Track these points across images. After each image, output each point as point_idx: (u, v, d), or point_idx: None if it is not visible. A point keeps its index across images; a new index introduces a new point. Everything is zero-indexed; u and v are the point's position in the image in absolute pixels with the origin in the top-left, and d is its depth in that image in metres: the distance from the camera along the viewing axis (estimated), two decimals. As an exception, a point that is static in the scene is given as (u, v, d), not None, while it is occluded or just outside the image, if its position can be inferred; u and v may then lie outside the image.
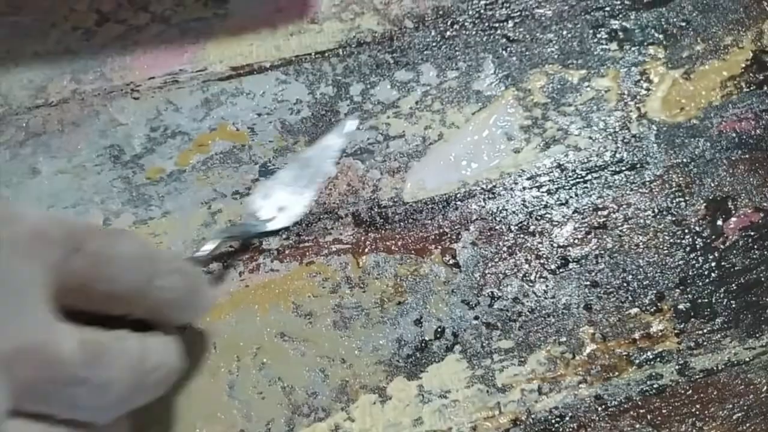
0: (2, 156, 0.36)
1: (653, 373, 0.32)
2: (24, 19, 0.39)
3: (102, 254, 0.24)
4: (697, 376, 0.32)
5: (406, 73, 0.38)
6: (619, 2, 0.40)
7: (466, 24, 0.40)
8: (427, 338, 0.32)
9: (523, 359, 0.32)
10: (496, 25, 0.40)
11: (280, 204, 0.35)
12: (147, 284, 0.25)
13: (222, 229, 0.34)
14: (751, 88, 0.38)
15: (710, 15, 0.40)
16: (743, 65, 0.38)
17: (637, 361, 0.32)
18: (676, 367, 0.32)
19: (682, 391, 0.31)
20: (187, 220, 0.35)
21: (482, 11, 0.40)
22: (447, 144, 0.37)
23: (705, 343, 0.32)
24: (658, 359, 0.32)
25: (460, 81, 0.38)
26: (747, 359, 0.32)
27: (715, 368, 0.32)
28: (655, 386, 0.31)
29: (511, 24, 0.40)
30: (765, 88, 0.38)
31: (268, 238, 0.34)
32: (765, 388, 0.31)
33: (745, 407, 0.31)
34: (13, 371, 0.20)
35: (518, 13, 0.40)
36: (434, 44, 0.39)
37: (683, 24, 0.39)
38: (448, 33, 0.39)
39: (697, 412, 0.31)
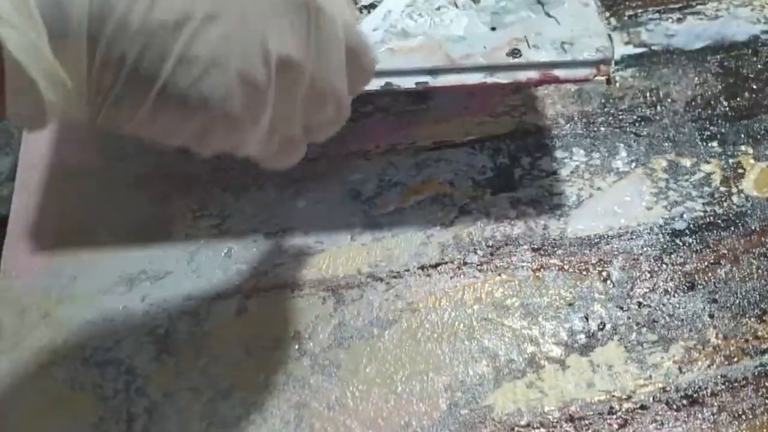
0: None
1: (762, 362, 0.43)
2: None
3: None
4: (795, 367, 0.43)
5: (563, 152, 0.53)
6: (715, 115, 0.55)
7: (603, 124, 0.55)
8: (592, 330, 0.44)
9: (666, 347, 0.43)
10: (626, 125, 0.55)
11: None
12: None
13: None
14: (820, 177, 0.51)
15: (784, 127, 0.54)
16: (813, 161, 0.52)
17: (750, 354, 0.43)
18: (781, 359, 0.43)
19: (788, 377, 0.42)
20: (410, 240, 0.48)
21: (614, 116, 0.55)
22: (595, 201, 0.50)
23: (801, 346, 0.43)
24: (765, 354, 0.43)
25: (603, 160, 0.52)
26: (835, 358, 0.43)
27: (810, 362, 0.43)
28: (764, 371, 0.42)
29: (636, 125, 0.55)
30: (831, 177, 0.51)
31: (470, 255, 0.47)
32: None
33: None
34: None
35: (641, 118, 0.55)
36: (581, 136, 0.54)
37: (764, 132, 0.54)
38: (590, 128, 0.54)
39: (801, 393, 0.42)
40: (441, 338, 0.44)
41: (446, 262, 0.47)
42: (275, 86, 0.27)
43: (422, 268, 0.47)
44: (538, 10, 0.49)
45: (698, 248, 0.48)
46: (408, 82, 0.45)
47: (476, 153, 0.53)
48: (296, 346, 0.43)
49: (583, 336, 0.44)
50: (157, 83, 0.24)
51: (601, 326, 0.44)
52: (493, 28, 0.48)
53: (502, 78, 0.45)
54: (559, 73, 0.46)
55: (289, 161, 0.34)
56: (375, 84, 0.44)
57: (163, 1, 0.23)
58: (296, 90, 0.28)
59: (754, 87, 0.57)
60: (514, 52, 0.46)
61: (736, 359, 0.43)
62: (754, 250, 0.48)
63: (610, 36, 0.46)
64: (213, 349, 0.43)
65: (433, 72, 0.45)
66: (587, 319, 0.45)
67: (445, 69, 0.45)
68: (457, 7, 0.49)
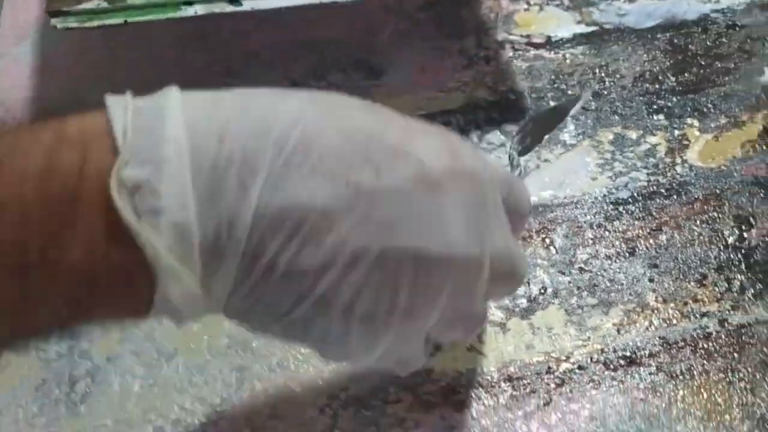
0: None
1: (701, 324, 0.43)
2: (235, 80, 0.56)
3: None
4: (732, 328, 0.43)
5: (511, 126, 0.54)
6: (663, 90, 0.56)
7: (553, 98, 0.56)
8: (533, 294, 0.45)
9: (605, 311, 0.44)
10: (575, 100, 0.55)
11: None
12: None
13: None
14: (764, 148, 0.52)
15: (731, 101, 0.55)
16: (757, 133, 0.53)
17: (689, 317, 0.44)
18: (717, 320, 0.44)
19: (724, 337, 0.43)
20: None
21: (564, 91, 0.56)
22: (542, 172, 0.51)
23: (738, 307, 0.44)
24: (704, 316, 0.44)
25: (552, 133, 0.53)
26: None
27: (746, 323, 0.43)
28: (702, 333, 0.43)
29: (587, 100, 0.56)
30: (774, 148, 0.52)
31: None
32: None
33: (771, 352, 0.43)
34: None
35: (591, 93, 0.56)
36: (530, 109, 0.55)
37: (711, 106, 0.55)
38: (540, 103, 0.55)
39: (734, 353, 0.42)
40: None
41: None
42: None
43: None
44: None
45: (641, 216, 0.49)
46: None
47: (427, 127, 0.54)
48: (240, 312, 0.44)
49: (524, 300, 0.45)
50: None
51: (542, 290, 0.45)
52: None
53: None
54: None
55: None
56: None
57: (310, 245, 0.23)
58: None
59: (702, 63, 0.58)
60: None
61: (674, 322, 0.44)
62: (695, 218, 0.48)
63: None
64: (158, 316, 0.44)
65: None
66: (529, 283, 0.45)
67: None
68: None
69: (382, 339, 0.26)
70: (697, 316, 0.44)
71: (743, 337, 0.43)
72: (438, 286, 0.26)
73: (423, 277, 0.25)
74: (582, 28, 0.61)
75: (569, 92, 0.56)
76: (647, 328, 0.44)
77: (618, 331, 0.43)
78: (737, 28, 0.60)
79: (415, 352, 0.31)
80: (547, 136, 0.53)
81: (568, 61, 0.58)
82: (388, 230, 0.24)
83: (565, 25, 0.61)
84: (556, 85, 0.56)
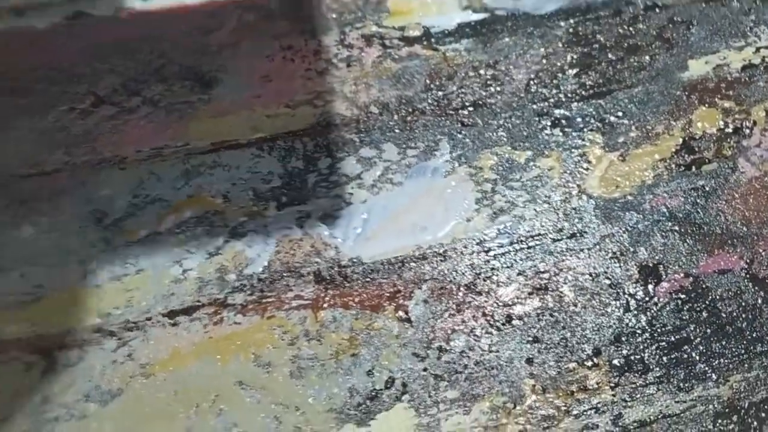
0: (-6, 215, 0.39)
1: (589, 423, 0.33)
2: (25, 99, 0.44)
3: None
4: (631, 427, 0.33)
5: (370, 151, 0.42)
6: (562, 94, 0.45)
7: (425, 110, 0.44)
8: (377, 388, 0.34)
9: (467, 409, 0.34)
10: (452, 112, 0.44)
11: None
12: None
13: None
14: (681, 169, 0.42)
15: (644, 107, 0.44)
16: (673, 150, 0.43)
17: (575, 412, 0.34)
18: (611, 417, 0.33)
19: (618, 441, 0.33)
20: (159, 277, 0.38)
21: (440, 100, 0.45)
22: (406, 212, 0.40)
23: (638, 396, 0.34)
24: (594, 410, 0.34)
25: (419, 158, 0.42)
26: (678, 412, 0.34)
27: (648, 420, 0.33)
28: (592, 436, 0.33)
29: (465, 111, 0.44)
30: (693, 169, 0.42)
31: (233, 294, 0.37)
32: (696, 439, 0.33)
33: (678, 457, 0.33)
34: None
35: (471, 102, 0.45)
36: (396, 127, 0.43)
37: (620, 114, 0.44)
38: (408, 118, 0.44)
39: (632, 462, 0.33)
40: (176, 414, 0.33)
41: (202, 305, 0.37)
42: None
43: (169, 314, 0.37)
44: None
45: (521, 271, 0.38)
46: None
47: (263, 155, 0.42)
48: (-21, 437, 0.33)
49: (363, 398, 0.34)
50: None
51: (389, 383, 0.35)
52: None
53: None
54: None
55: None
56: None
57: None
58: None
59: (612, 57, 0.47)
60: None
61: (555, 422, 0.34)
62: (589, 271, 0.38)
63: None
64: None
65: None
66: (372, 373, 0.35)
67: None
68: None
69: None
70: (586, 411, 0.34)
71: (643, 439, 0.33)
72: None
73: None
74: (468, 16, 0.49)
75: (446, 102, 0.45)
76: None
77: (482, 437, 0.33)
78: (657, 9, 0.49)
79: None
80: None
81: (448, 60, 0.47)
82: None
83: (448, 13, 0.49)
84: (431, 93, 0.45)
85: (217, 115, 0.44)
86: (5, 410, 0.33)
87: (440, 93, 0.45)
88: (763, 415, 0.34)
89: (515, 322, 0.36)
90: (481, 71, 0.46)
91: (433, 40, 0.48)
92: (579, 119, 0.44)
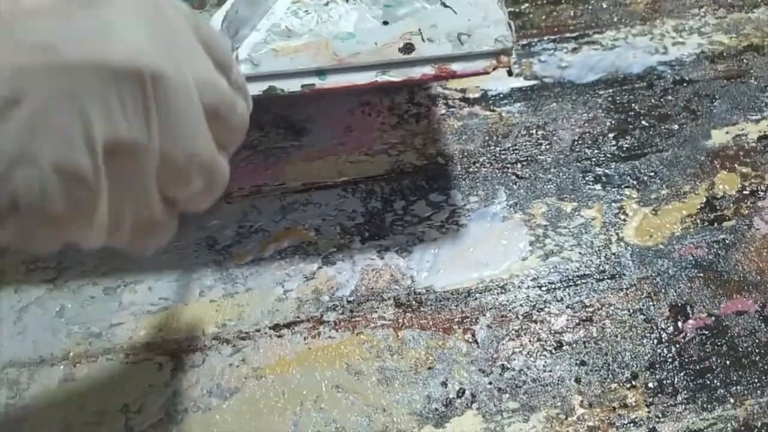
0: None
1: (629, 434, 0.40)
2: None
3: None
4: (663, 438, 0.40)
5: (438, 196, 0.50)
6: (602, 155, 0.52)
7: (485, 163, 0.52)
8: (451, 396, 0.41)
9: (526, 417, 0.40)
10: (508, 165, 0.52)
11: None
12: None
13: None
14: (705, 224, 0.49)
15: (673, 169, 0.52)
16: (698, 207, 0.50)
17: (617, 425, 0.40)
18: (647, 430, 0.40)
19: (652, 449, 0.40)
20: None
21: (497, 155, 0.52)
22: (470, 250, 0.47)
23: (669, 414, 0.41)
24: (633, 424, 0.40)
25: (480, 204, 0.49)
26: (702, 428, 0.40)
27: (677, 433, 0.40)
28: (630, 444, 0.40)
29: (519, 165, 0.52)
30: (715, 224, 0.49)
31: (327, 312, 0.44)
32: (717, 451, 0.40)
33: (702, 466, 0.39)
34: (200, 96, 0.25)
35: (524, 158, 0.52)
36: (460, 176, 0.51)
37: (652, 174, 0.51)
38: (470, 169, 0.51)
39: (664, 467, 0.39)
40: (284, 410, 0.40)
41: (302, 321, 0.44)
42: (109, 174, 0.23)
43: (274, 327, 0.43)
44: (434, 1, 0.45)
45: (569, 304, 0.45)
46: (293, 85, 0.41)
47: (348, 196, 0.50)
48: (123, 422, 0.39)
49: (439, 404, 0.41)
50: None
51: (460, 393, 0.41)
52: (386, 23, 0.43)
53: (394, 76, 0.42)
54: (456, 67, 0.42)
55: (154, 243, 0.28)
56: (256, 89, 0.40)
57: None
58: (141, 173, 0.24)
59: (645, 124, 0.54)
60: (407, 47, 0.42)
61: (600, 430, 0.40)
62: (627, 307, 0.45)
63: (510, 24, 0.43)
64: (30, 423, 0.39)
65: (320, 73, 0.41)
66: (446, 384, 0.41)
67: (332, 69, 0.41)
68: (347, 1, 0.45)
69: (101, 199, 0.23)
70: (626, 424, 0.41)
71: (673, 449, 0.40)
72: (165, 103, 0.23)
73: (119, 90, 0.22)
74: (521, 82, 0.57)
75: (503, 156, 0.52)
76: (571, 437, 0.40)
77: (539, 441, 0.40)
78: (685, 84, 0.57)
79: (153, 214, 0.26)
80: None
81: (502, 120, 0.54)
82: (46, 51, 0.21)
83: (503, 78, 0.57)
84: (489, 148, 0.53)
85: (308, 160, 0.51)
86: (141, 401, 0.40)
87: (497, 148, 0.53)
88: (773, 434, 0.40)
89: (565, 347, 0.43)
90: (533, 131, 0.54)
91: (490, 102, 0.56)
92: (617, 177, 0.51)
